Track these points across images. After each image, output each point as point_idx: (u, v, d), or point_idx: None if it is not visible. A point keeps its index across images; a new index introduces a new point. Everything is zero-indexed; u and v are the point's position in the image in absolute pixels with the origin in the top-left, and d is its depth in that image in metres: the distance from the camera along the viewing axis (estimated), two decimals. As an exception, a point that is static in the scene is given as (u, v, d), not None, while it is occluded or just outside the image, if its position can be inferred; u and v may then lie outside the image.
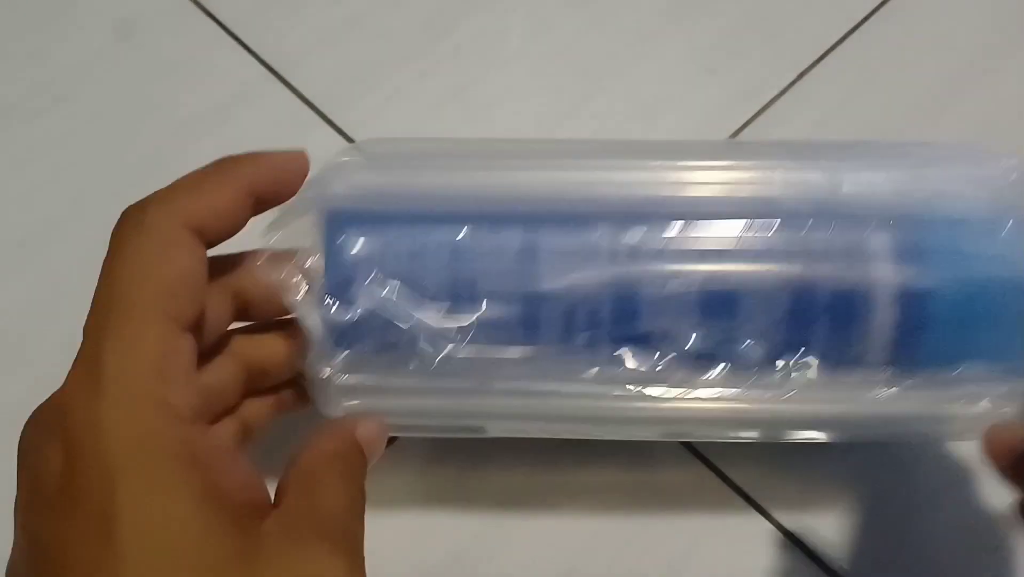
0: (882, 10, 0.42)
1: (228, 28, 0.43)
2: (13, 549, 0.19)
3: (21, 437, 0.20)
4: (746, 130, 0.40)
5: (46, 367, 0.31)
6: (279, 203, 0.24)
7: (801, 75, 0.41)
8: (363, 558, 0.20)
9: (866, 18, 0.42)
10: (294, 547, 0.19)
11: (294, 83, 0.41)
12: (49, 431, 0.19)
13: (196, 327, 0.21)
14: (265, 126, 0.40)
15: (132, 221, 0.21)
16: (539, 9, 0.43)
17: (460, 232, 0.27)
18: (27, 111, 0.41)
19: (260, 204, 0.23)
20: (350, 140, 0.40)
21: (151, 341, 0.20)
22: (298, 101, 0.41)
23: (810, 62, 0.41)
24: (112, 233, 0.21)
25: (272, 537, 0.19)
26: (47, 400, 0.20)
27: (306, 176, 0.24)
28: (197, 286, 0.21)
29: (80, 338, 0.20)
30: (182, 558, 0.17)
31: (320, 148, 0.32)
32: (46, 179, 0.39)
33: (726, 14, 0.43)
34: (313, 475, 0.21)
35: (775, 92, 0.41)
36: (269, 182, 0.23)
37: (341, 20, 0.43)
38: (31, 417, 0.20)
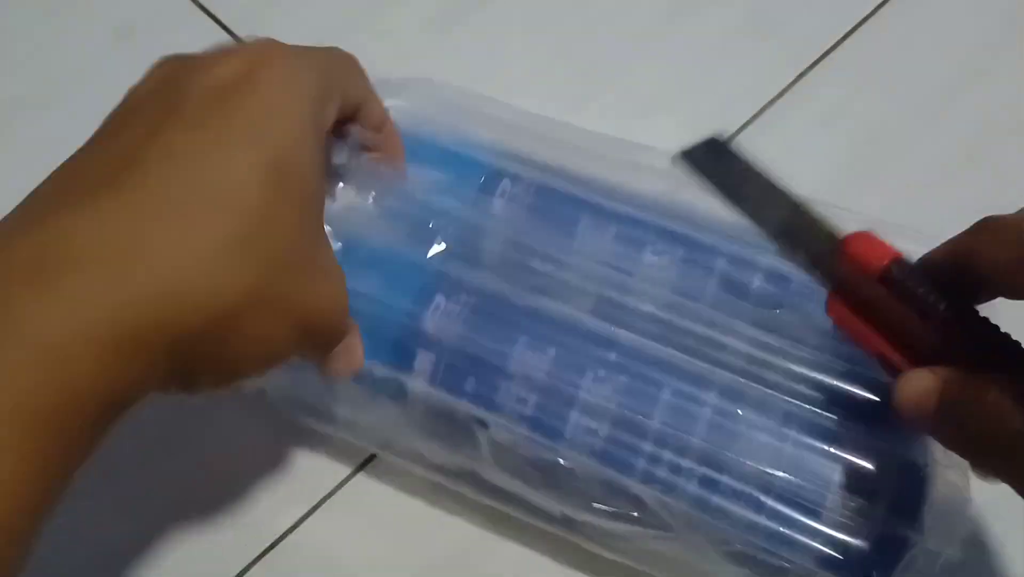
0: (882, 10, 0.42)
1: (228, 28, 0.43)
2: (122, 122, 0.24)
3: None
4: (746, 130, 0.40)
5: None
6: None
7: (801, 75, 0.41)
8: None
9: (866, 18, 0.42)
10: None
11: (294, 83, 0.41)
12: (238, 50, 0.24)
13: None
14: (265, 126, 0.40)
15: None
16: (539, 9, 0.43)
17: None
18: (27, 111, 0.41)
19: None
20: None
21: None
22: (298, 101, 0.41)
23: (810, 62, 0.41)
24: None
25: None
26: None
27: None
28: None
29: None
30: (300, 179, 0.23)
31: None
32: (46, 179, 0.39)
33: (725, 14, 0.43)
34: None
35: (774, 93, 0.41)
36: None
37: (341, 20, 0.43)
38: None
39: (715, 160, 0.27)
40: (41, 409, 0.19)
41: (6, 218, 0.22)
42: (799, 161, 0.39)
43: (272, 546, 0.32)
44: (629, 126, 0.40)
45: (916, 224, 0.29)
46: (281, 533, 0.33)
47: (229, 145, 0.22)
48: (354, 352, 0.27)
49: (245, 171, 0.22)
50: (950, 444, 0.23)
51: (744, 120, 0.40)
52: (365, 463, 0.34)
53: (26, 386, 0.18)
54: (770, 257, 0.29)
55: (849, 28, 0.42)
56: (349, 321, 0.27)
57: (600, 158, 0.32)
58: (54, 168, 0.39)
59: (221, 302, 0.21)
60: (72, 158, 0.23)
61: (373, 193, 0.30)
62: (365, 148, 0.30)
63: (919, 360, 0.23)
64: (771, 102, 0.40)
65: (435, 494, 0.32)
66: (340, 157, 0.30)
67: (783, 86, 0.41)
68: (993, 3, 0.42)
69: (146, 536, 0.33)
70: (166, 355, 0.20)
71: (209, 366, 0.22)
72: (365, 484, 0.33)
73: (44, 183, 0.23)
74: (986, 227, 0.23)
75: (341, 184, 0.30)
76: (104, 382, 0.20)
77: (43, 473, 0.19)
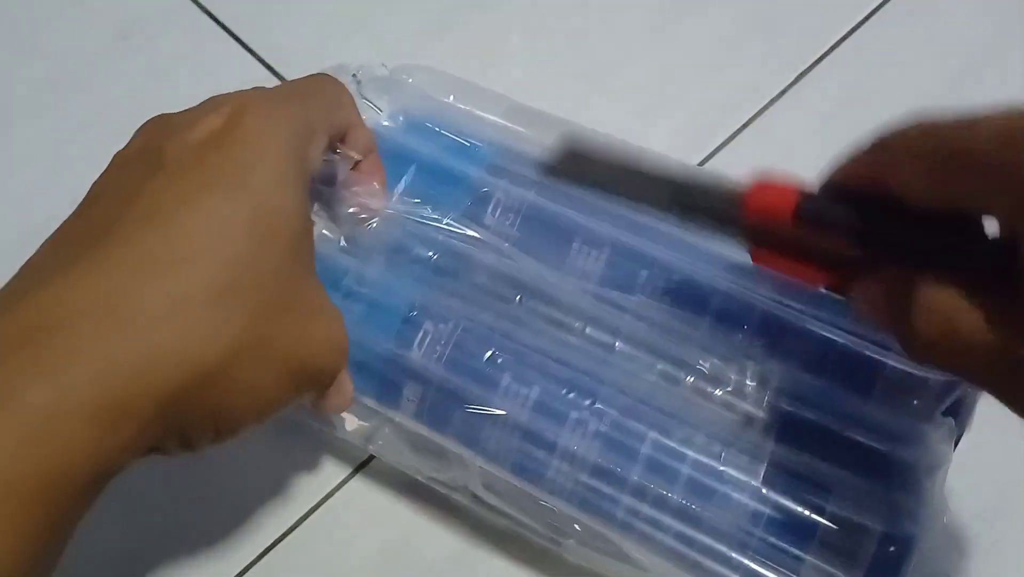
0: (882, 10, 0.42)
1: (228, 28, 0.43)
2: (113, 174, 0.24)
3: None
4: (745, 131, 0.40)
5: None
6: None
7: (800, 76, 0.41)
8: None
9: (866, 18, 0.42)
10: None
11: (294, 83, 0.41)
12: (217, 104, 0.24)
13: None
14: (265, 126, 0.40)
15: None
16: (538, 9, 0.43)
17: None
18: (27, 111, 0.41)
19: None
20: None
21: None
22: (298, 101, 0.41)
23: (809, 63, 0.41)
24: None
25: None
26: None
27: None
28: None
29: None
30: (284, 222, 0.23)
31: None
32: (46, 179, 0.39)
33: (726, 14, 0.43)
34: None
35: (774, 93, 0.41)
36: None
37: (341, 20, 0.43)
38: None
39: (580, 164, 0.25)
40: (29, 482, 0.19)
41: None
42: (798, 162, 0.39)
43: (272, 546, 0.32)
44: (629, 126, 0.40)
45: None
46: (281, 533, 0.33)
47: (209, 197, 0.22)
48: (344, 389, 0.27)
49: (226, 220, 0.22)
50: (903, 342, 0.22)
51: (744, 120, 0.40)
52: (363, 464, 0.34)
53: (13, 459, 0.18)
54: (768, 291, 0.28)
55: (849, 28, 0.42)
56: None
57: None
58: (54, 168, 0.39)
59: (207, 357, 0.21)
60: (60, 226, 0.24)
61: (355, 220, 0.30)
62: (348, 174, 0.29)
63: (858, 278, 0.23)
64: (771, 102, 0.40)
65: (433, 497, 0.32)
66: (323, 182, 0.29)
67: (783, 86, 0.41)
68: (993, 4, 0.42)
69: (146, 536, 0.33)
70: (157, 417, 0.20)
71: (205, 423, 0.22)
72: (364, 485, 0.33)
73: (34, 254, 0.23)
74: (882, 147, 0.22)
75: (317, 207, 0.30)
76: (93, 451, 0.19)
77: (34, 543, 0.19)
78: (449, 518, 0.32)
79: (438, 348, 0.28)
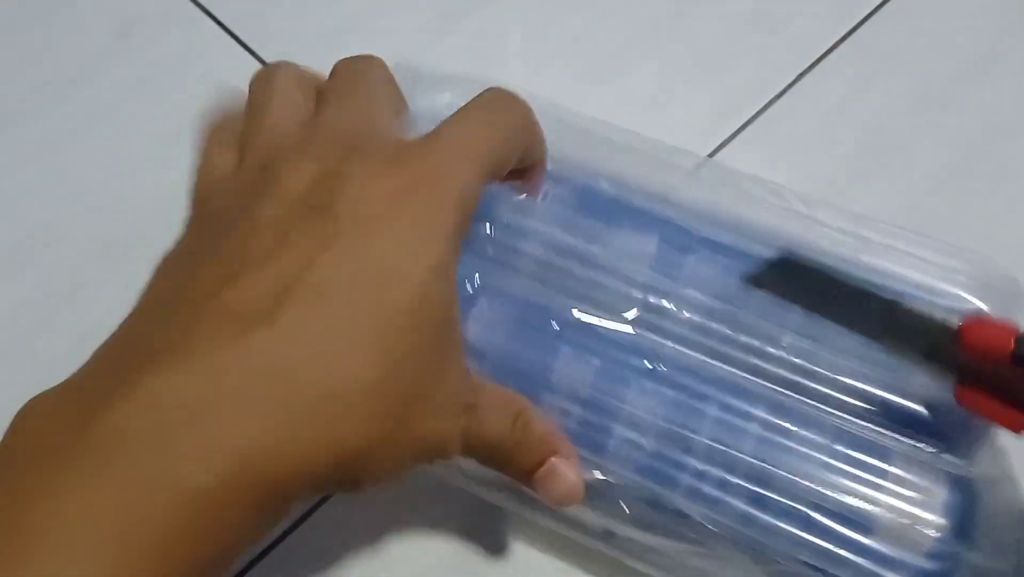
0: (882, 10, 0.42)
1: (228, 28, 0.43)
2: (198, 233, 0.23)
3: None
4: (746, 131, 0.40)
5: (46, 368, 0.31)
6: None
7: (801, 75, 0.41)
8: None
9: (866, 18, 0.42)
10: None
11: (294, 83, 0.41)
12: (402, 154, 0.22)
13: None
14: (265, 126, 0.40)
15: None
16: (538, 9, 0.43)
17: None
18: (27, 111, 0.41)
19: None
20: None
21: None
22: (298, 101, 0.41)
23: (810, 62, 0.41)
24: None
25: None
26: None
27: None
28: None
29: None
30: (441, 315, 0.22)
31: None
32: (46, 179, 0.39)
33: (726, 14, 0.43)
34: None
35: (774, 93, 0.41)
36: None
37: (341, 20, 0.43)
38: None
39: (789, 276, 0.26)
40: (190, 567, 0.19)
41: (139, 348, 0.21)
42: (801, 159, 0.39)
43: (273, 545, 0.32)
44: (630, 124, 0.40)
45: (915, 224, 0.29)
46: (285, 529, 0.33)
47: (376, 283, 0.21)
48: (559, 480, 0.26)
49: (388, 312, 0.21)
50: None
51: (744, 121, 0.40)
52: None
53: (179, 543, 0.19)
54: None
55: (851, 27, 0.42)
56: (560, 443, 0.26)
57: (639, 160, 0.31)
58: (54, 168, 0.40)
59: (356, 445, 0.21)
60: (186, 263, 0.22)
61: None
62: None
63: None
64: (771, 103, 0.40)
65: (439, 492, 0.32)
66: None
67: (783, 87, 0.41)
68: (993, 2, 0.42)
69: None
70: (303, 496, 0.21)
71: (339, 490, 0.22)
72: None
73: (142, 304, 0.22)
74: None
75: None
76: (248, 533, 0.20)
77: None
78: (455, 513, 0.32)
79: (496, 320, 0.28)
